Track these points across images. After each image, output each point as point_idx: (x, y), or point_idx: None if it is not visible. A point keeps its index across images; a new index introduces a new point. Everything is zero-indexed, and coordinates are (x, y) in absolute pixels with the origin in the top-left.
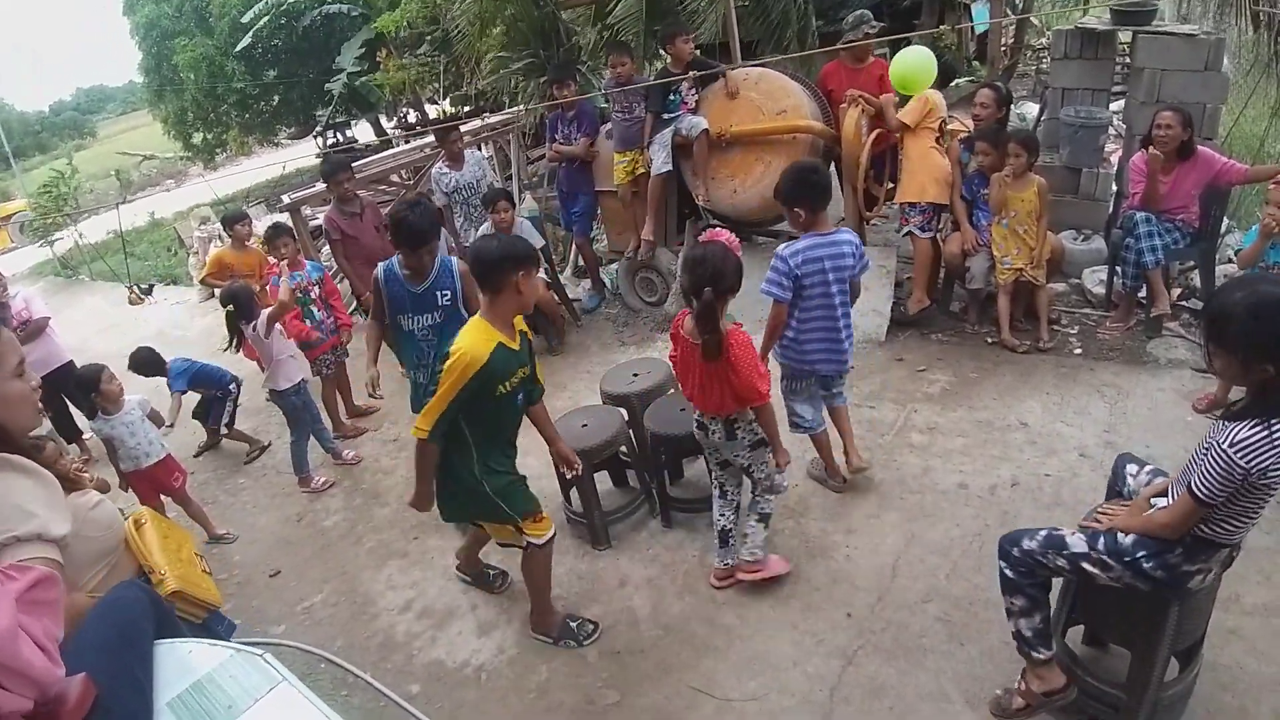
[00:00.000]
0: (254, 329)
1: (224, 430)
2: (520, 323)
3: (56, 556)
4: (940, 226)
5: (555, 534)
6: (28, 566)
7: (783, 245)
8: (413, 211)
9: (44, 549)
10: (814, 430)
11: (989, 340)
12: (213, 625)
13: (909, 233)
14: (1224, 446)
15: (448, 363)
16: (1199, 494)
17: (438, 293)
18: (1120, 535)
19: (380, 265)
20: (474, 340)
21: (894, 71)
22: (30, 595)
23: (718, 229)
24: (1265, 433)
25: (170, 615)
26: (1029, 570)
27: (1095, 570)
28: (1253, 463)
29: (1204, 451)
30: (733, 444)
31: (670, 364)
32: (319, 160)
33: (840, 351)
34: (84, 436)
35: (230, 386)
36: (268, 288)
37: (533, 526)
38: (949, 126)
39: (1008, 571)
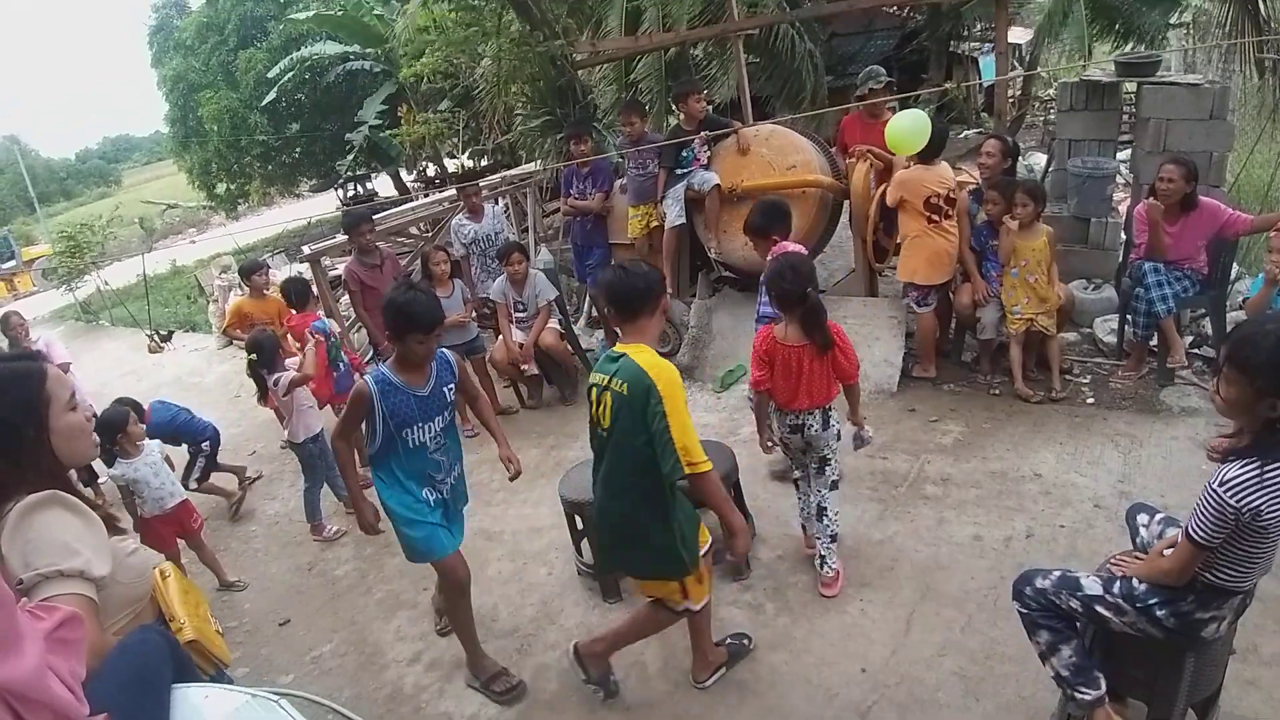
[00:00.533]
0: (275, 382)
1: (194, 486)
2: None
3: (93, 595)
4: (954, 287)
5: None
6: (54, 606)
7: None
8: (417, 292)
9: (83, 586)
10: None
11: (993, 392)
12: (217, 679)
13: (908, 304)
14: (1214, 486)
15: (661, 386)
16: (1195, 536)
17: (444, 389)
18: (1135, 580)
19: (368, 380)
20: (660, 359)
21: (887, 133)
22: (57, 634)
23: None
24: (1257, 473)
25: (188, 660)
26: (1043, 608)
27: (1109, 614)
28: (1243, 502)
29: (1201, 494)
30: (826, 432)
31: (758, 390)
32: (339, 212)
33: None
34: (99, 481)
35: (204, 444)
36: (289, 336)
37: (696, 588)
38: (959, 178)
39: (1022, 610)
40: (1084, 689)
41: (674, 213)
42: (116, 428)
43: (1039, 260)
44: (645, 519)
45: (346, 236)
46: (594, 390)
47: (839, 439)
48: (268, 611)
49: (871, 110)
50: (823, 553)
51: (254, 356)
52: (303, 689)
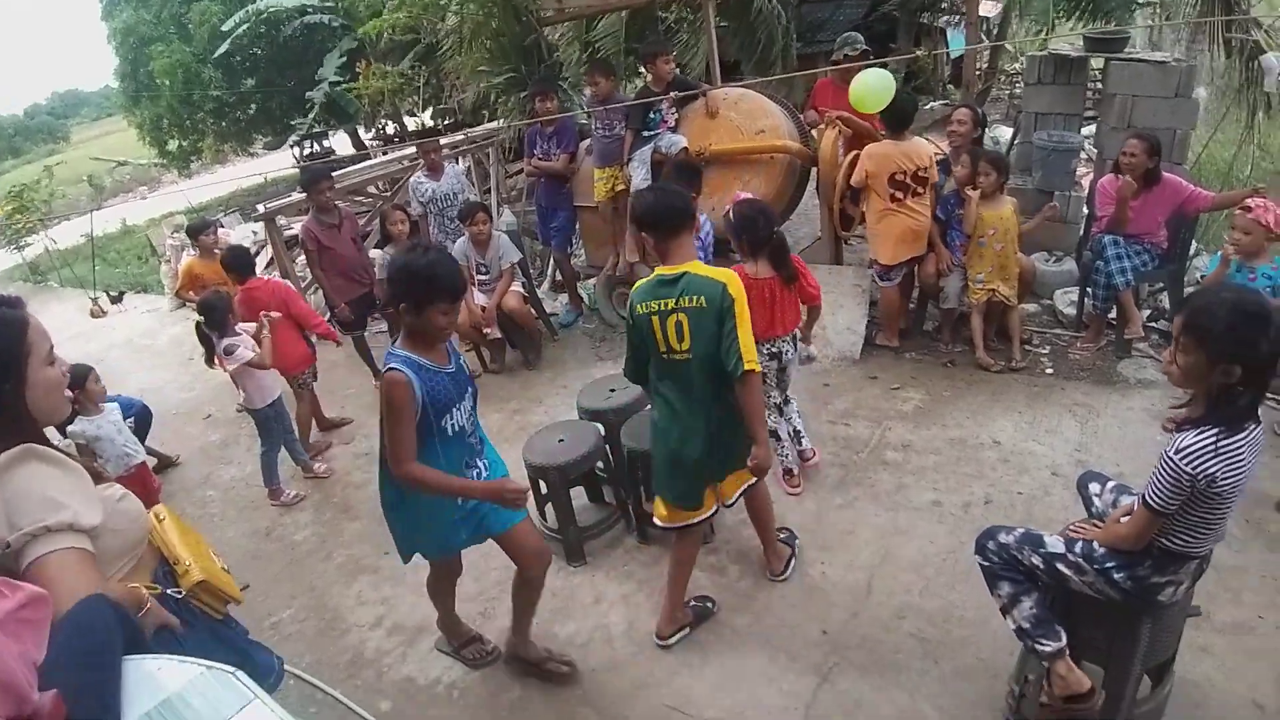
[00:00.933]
0: (226, 350)
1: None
2: None
3: (88, 547)
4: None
5: None
6: (18, 585)
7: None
8: (436, 253)
9: (74, 539)
10: None
11: (949, 364)
12: (230, 623)
13: (873, 276)
14: (1170, 453)
15: (732, 289)
16: (1151, 502)
17: (462, 362)
18: (1096, 543)
19: (399, 367)
20: (720, 268)
21: (851, 90)
22: (20, 614)
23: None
24: (1212, 440)
25: (138, 632)
26: (1005, 562)
27: (1069, 572)
28: (1198, 468)
29: (1157, 461)
30: (795, 352)
31: None
32: (296, 170)
33: None
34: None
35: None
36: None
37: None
38: (929, 149)
39: (984, 563)
40: (1044, 640)
41: (639, 175)
42: (77, 382)
43: (1005, 230)
44: (733, 425)
45: (304, 194)
46: (655, 317)
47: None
48: None
49: (845, 76)
50: (798, 426)
51: (202, 319)
52: None
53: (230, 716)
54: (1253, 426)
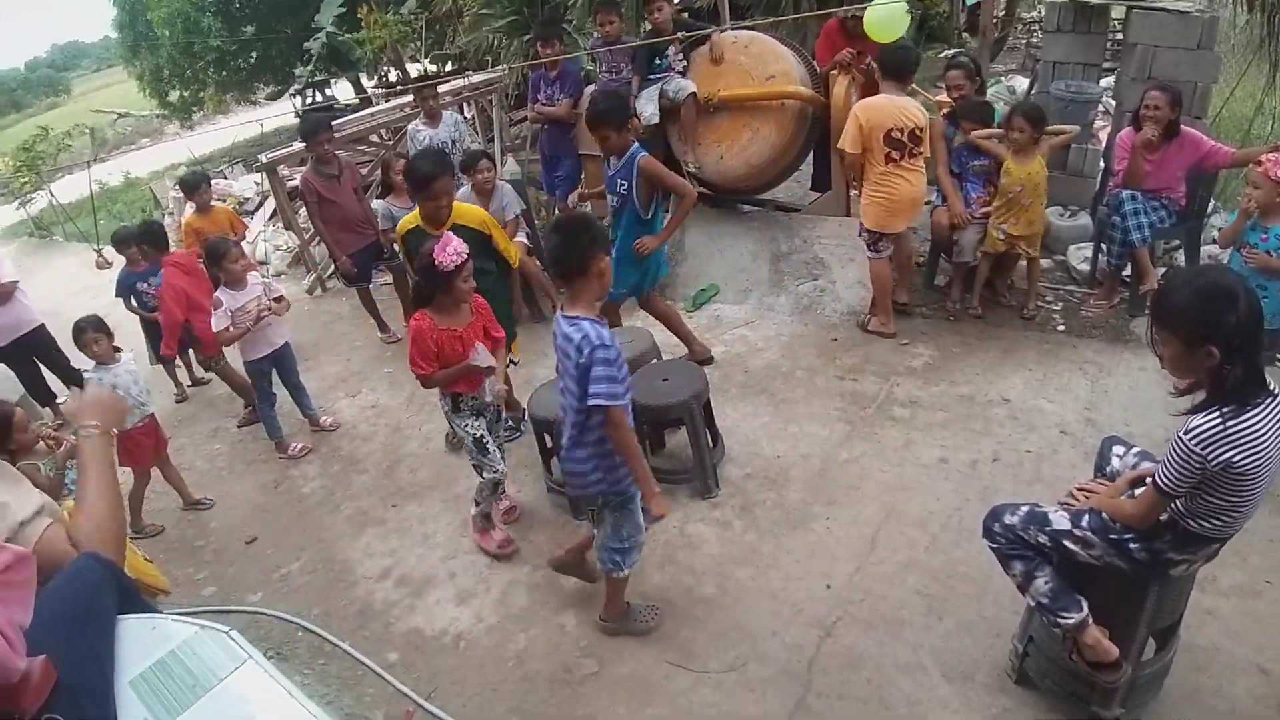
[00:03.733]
0: (215, 304)
1: None
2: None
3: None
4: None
5: None
6: (3, 546)
7: None
8: None
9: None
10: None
11: (956, 317)
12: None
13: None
14: (1182, 435)
15: None
16: (1161, 484)
17: None
18: (1106, 515)
19: None
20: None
21: (867, 15)
22: (3, 577)
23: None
24: (1219, 420)
25: (133, 590)
26: (1012, 542)
27: (1076, 548)
28: (1208, 452)
29: (1169, 443)
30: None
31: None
32: (296, 118)
33: None
34: (58, 401)
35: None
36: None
37: None
38: (938, 98)
39: (992, 545)
40: (1065, 614)
41: (649, 110)
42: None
43: (1035, 185)
44: None
45: (304, 145)
46: None
47: None
48: (234, 530)
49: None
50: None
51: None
52: (271, 607)
53: (225, 676)
54: (1269, 400)
